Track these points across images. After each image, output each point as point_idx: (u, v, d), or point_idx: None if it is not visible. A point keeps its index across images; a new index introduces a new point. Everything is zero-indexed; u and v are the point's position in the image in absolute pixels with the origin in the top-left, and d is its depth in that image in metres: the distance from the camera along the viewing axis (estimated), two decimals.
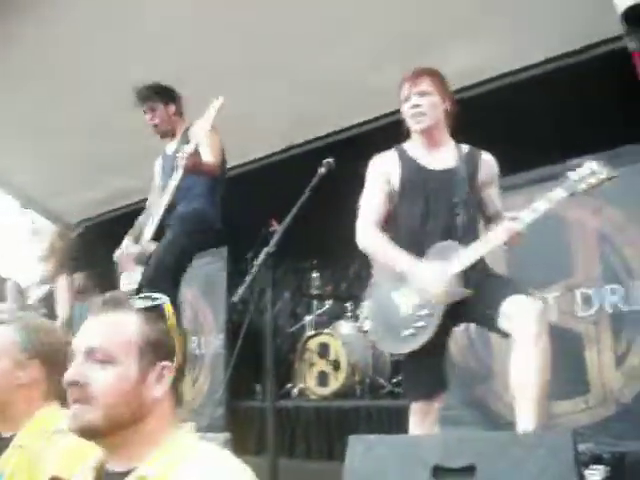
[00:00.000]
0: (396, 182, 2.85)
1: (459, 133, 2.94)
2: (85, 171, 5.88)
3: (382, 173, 2.88)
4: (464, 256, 2.64)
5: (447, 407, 2.96)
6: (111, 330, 1.39)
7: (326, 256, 6.05)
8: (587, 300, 3.65)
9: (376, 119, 4.67)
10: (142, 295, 1.48)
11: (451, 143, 2.90)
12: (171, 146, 4.16)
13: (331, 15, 3.85)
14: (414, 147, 2.90)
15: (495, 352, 3.86)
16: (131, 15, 4.01)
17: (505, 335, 2.55)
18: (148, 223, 3.95)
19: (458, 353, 3.97)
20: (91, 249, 6.73)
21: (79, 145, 5.37)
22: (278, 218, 4.23)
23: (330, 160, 2.96)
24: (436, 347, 2.72)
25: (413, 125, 2.85)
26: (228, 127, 5.01)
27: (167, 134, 4.23)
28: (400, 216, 2.86)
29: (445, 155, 2.85)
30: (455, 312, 2.68)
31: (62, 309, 5.23)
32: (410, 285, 2.68)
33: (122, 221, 6.62)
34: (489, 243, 2.64)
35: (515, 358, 2.45)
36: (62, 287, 5.32)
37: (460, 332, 3.85)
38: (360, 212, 2.89)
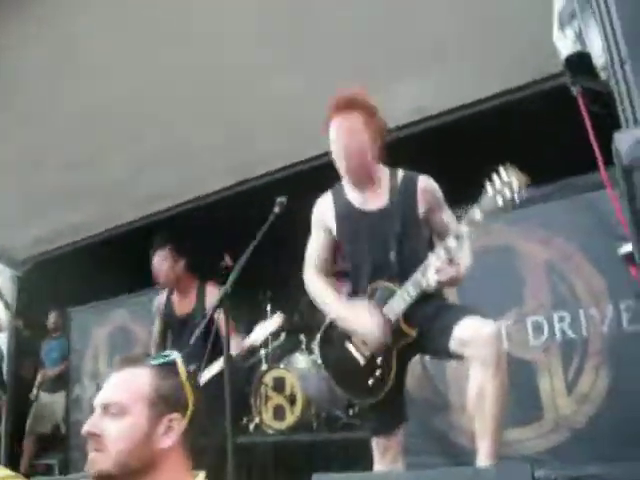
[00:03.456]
0: (333, 228, 2.86)
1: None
2: (29, 206, 5.72)
3: (319, 220, 2.91)
4: (399, 301, 2.62)
5: (406, 435, 2.94)
6: (125, 384, 1.50)
7: (279, 288, 6.02)
8: (538, 328, 3.72)
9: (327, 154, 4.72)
10: (158, 354, 1.58)
11: (385, 176, 2.82)
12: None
13: (285, 48, 3.87)
14: (349, 186, 2.85)
15: (451, 382, 3.89)
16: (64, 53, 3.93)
17: (459, 358, 2.53)
18: None
19: (414, 384, 3.98)
20: (38, 288, 6.58)
21: (21, 178, 5.23)
22: (231, 253, 4.25)
23: (283, 199, 2.94)
24: (393, 384, 2.70)
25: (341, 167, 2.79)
26: (176, 160, 5.04)
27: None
28: (346, 256, 2.88)
29: (379, 193, 2.79)
30: (408, 347, 2.68)
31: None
32: (356, 335, 2.70)
33: (70, 258, 6.51)
34: (422, 286, 2.56)
35: (473, 385, 2.41)
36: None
37: (414, 363, 3.86)
38: (305, 260, 2.94)
